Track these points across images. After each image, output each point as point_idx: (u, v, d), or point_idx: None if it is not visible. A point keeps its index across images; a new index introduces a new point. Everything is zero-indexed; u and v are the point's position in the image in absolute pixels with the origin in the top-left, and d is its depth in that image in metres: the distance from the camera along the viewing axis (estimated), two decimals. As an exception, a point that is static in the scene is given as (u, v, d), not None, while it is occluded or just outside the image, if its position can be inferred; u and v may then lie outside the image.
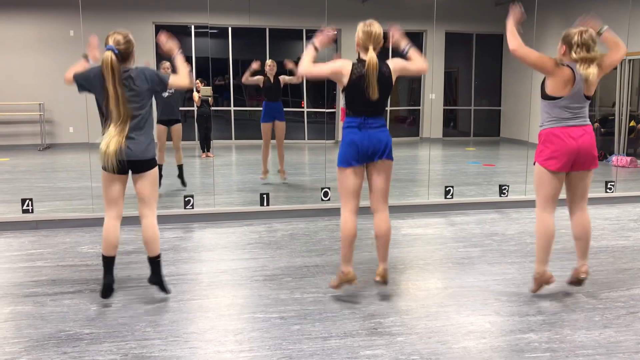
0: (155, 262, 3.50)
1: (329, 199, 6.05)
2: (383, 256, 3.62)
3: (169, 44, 3.61)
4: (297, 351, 2.92)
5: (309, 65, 3.43)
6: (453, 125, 15.33)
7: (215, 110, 12.61)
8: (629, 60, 10.16)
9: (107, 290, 3.44)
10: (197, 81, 10.93)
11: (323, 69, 3.42)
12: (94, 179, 6.03)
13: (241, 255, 4.57)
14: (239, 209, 5.91)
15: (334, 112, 13.04)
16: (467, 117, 14.85)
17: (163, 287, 3.55)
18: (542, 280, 3.60)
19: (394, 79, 3.43)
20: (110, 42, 3.18)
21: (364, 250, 4.66)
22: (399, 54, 3.64)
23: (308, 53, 3.46)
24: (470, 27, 14.04)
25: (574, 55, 3.31)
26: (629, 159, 9.74)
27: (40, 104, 11.73)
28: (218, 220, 5.66)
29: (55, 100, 11.79)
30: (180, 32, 13.01)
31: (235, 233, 5.25)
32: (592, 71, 3.26)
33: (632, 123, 10.49)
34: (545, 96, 3.42)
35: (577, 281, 3.66)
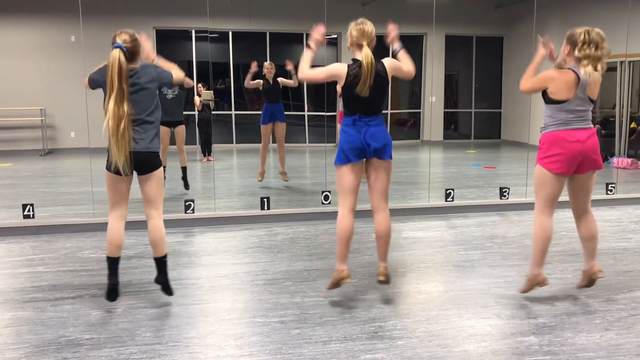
0: (162, 262, 3.50)
1: (329, 203, 6.05)
2: (384, 255, 3.63)
3: (147, 46, 3.58)
4: (297, 355, 2.91)
5: (306, 69, 3.48)
6: (454, 128, 15.33)
7: (216, 114, 12.63)
8: (629, 62, 10.16)
9: (112, 292, 3.43)
10: (199, 85, 10.96)
11: (319, 74, 3.46)
12: (95, 184, 6.04)
13: (242, 259, 4.57)
14: (240, 213, 5.91)
15: (335, 116, 13.04)
16: (467, 120, 14.86)
17: (167, 288, 3.54)
18: (535, 282, 3.56)
19: (389, 78, 3.44)
20: (118, 41, 3.22)
21: (365, 254, 4.65)
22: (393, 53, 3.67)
23: (305, 57, 3.49)
24: (470, 30, 14.05)
25: (576, 53, 3.25)
26: (629, 160, 9.73)
27: (41, 109, 11.76)
28: (219, 225, 5.66)
29: (56, 106, 11.83)
30: (180, 37, 13.06)
31: (236, 237, 5.26)
32: (592, 71, 3.21)
33: (633, 124, 10.49)
34: (549, 100, 3.37)
35: (591, 282, 3.62)
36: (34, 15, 11.75)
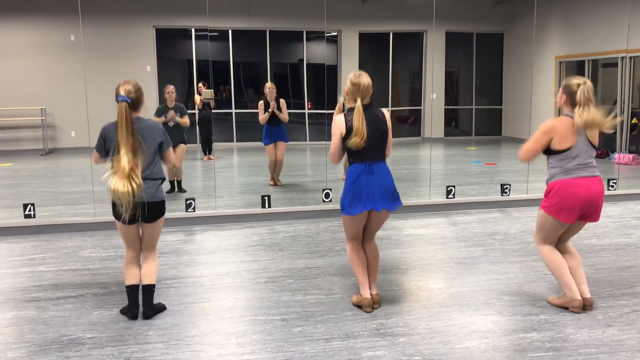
0: (151, 291, 3.43)
1: (330, 200, 6.04)
2: (375, 279, 3.54)
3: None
4: (299, 353, 2.91)
5: (333, 155, 3.43)
6: (455, 125, 15.31)
7: (216, 112, 12.62)
8: (630, 57, 10.14)
9: (133, 317, 3.40)
10: (200, 85, 10.96)
11: (337, 144, 3.39)
12: (96, 184, 6.04)
13: (243, 257, 4.57)
14: (241, 211, 5.91)
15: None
16: (468, 117, 14.84)
17: (149, 317, 3.42)
18: (569, 305, 3.41)
19: (389, 126, 3.40)
20: (122, 93, 3.25)
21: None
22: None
23: (333, 146, 3.41)
24: (471, 27, 14.02)
25: (577, 118, 3.23)
26: (631, 156, 9.72)
27: (42, 108, 11.76)
28: (219, 223, 5.66)
29: (56, 105, 11.82)
30: (180, 36, 13.05)
31: (237, 235, 5.25)
32: (591, 116, 3.20)
33: (634, 120, 10.46)
34: (550, 152, 3.35)
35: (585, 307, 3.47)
36: (34, 15, 11.74)
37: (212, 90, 10.92)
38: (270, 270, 4.23)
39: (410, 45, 14.32)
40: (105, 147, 3.34)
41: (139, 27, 12.27)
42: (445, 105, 14.35)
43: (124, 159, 3.17)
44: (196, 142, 11.10)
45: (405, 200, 6.35)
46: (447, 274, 4.14)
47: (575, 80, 3.30)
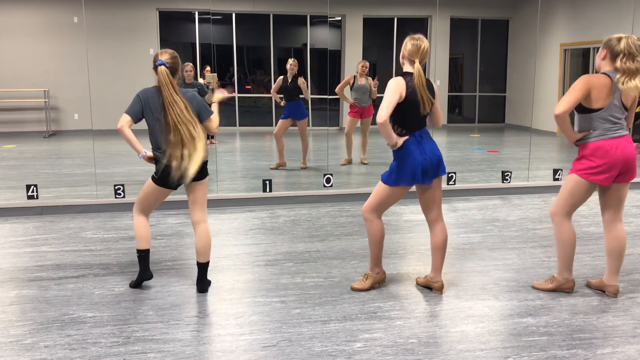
0: (205, 269, 3.54)
1: (331, 185, 6.07)
2: (440, 267, 3.53)
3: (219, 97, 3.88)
4: (297, 334, 2.95)
5: (385, 112, 3.20)
6: (458, 112, 15.27)
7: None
8: (636, 45, 10.06)
9: (139, 284, 3.54)
10: (207, 68, 10.94)
11: (394, 103, 3.23)
12: (98, 166, 6.08)
13: (243, 240, 4.61)
14: (242, 195, 5.94)
15: (338, 99, 12.99)
16: (472, 104, 14.79)
17: (204, 290, 3.55)
18: (565, 287, 3.48)
19: (436, 92, 3.41)
20: (161, 58, 3.33)
21: (364, 235, 4.67)
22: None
23: (389, 104, 3.22)
24: (476, 13, 13.92)
25: (618, 63, 3.18)
26: (634, 145, 9.69)
27: (45, 90, 11.77)
28: (221, 207, 5.70)
29: (59, 87, 11.83)
30: (183, 19, 12.99)
31: (238, 219, 5.29)
32: (633, 84, 3.14)
33: (638, 109, 10.42)
34: (583, 110, 3.29)
35: (600, 290, 3.53)
36: (37, -4, 11.70)
37: (216, 74, 10.90)
38: (270, 253, 4.27)
39: (415, 31, 14.16)
40: (143, 113, 3.36)
41: (142, 10, 12.22)
42: (449, 92, 14.30)
43: (186, 112, 3.25)
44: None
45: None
46: (445, 259, 4.16)
47: (617, 35, 3.24)
